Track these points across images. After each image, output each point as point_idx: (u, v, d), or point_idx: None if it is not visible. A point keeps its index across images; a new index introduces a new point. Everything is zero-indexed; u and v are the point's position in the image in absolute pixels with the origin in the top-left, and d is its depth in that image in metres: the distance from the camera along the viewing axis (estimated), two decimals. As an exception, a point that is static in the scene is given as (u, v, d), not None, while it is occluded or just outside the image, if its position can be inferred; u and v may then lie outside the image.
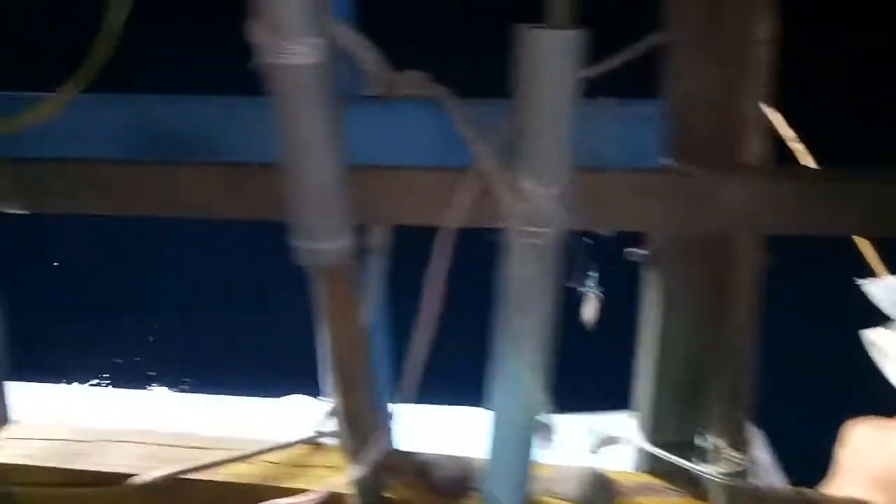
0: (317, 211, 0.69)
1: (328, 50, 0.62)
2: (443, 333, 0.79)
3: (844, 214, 0.76)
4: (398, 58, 0.75)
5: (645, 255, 0.86)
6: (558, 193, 0.67)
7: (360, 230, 0.78)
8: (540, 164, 0.67)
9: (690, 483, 0.94)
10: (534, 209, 0.67)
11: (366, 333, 0.83)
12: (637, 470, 0.99)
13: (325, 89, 0.64)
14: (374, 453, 0.86)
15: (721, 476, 0.86)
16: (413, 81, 0.76)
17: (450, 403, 1.83)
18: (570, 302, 0.86)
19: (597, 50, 0.66)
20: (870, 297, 1.25)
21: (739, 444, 0.86)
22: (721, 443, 0.86)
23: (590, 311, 0.86)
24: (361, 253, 0.79)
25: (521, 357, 0.74)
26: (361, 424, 0.86)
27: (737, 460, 0.84)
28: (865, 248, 1.71)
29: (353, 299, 0.79)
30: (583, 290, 0.85)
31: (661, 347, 0.89)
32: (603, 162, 0.74)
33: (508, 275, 0.72)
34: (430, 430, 1.32)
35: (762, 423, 1.92)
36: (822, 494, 0.98)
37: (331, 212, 0.70)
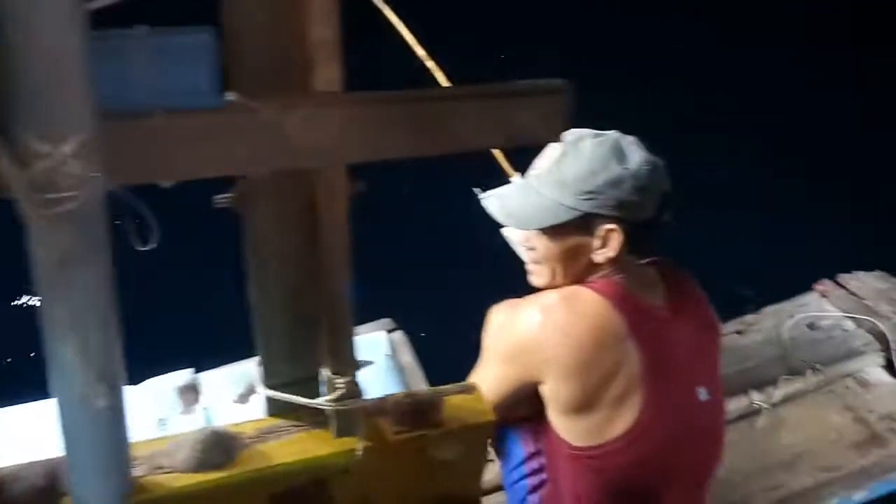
0: None
1: None
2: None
3: (425, 136, 0.76)
4: None
5: (231, 200, 0.79)
6: (76, 151, 0.54)
7: None
8: (41, 116, 0.53)
9: (316, 415, 0.94)
10: (43, 173, 0.53)
11: None
12: (267, 415, 0.97)
13: None
14: None
15: (330, 402, 0.87)
16: None
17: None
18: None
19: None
20: (487, 209, 1.31)
21: (346, 369, 0.87)
22: (328, 372, 0.87)
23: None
24: None
25: (70, 342, 0.62)
26: None
27: (342, 385, 0.86)
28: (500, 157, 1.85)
29: None
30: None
31: (263, 290, 0.84)
32: (143, 105, 0.62)
33: (34, 253, 0.58)
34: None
35: (408, 328, 2.12)
36: (433, 390, 1.06)
37: None
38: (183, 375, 1.68)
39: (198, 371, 1.71)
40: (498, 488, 1.85)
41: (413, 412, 0.96)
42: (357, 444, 0.91)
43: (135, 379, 1.64)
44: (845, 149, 4.60)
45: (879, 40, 5.75)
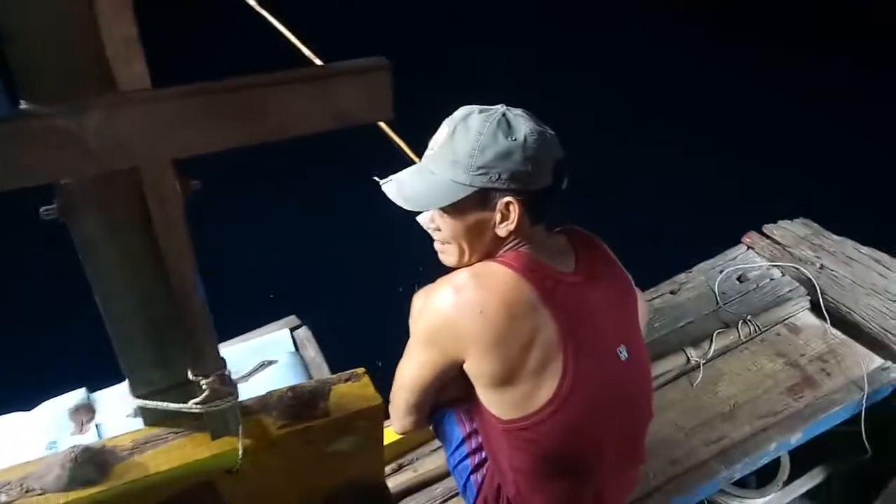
0: None
1: None
2: None
3: (245, 124, 0.75)
4: None
5: (57, 211, 0.77)
6: None
7: None
8: None
9: (195, 420, 0.93)
10: None
11: None
12: (145, 425, 0.95)
13: None
14: None
15: (198, 405, 0.86)
16: None
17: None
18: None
19: None
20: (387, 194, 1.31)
21: (210, 370, 0.86)
22: (192, 374, 0.86)
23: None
24: None
25: None
26: None
27: (207, 386, 0.85)
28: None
29: None
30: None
31: (112, 298, 0.83)
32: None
33: None
34: None
35: (311, 322, 2.13)
36: (317, 380, 1.05)
37: None
38: (76, 396, 1.65)
39: (92, 390, 1.68)
40: (447, 473, 1.87)
41: (297, 405, 0.96)
42: (236, 444, 0.90)
43: (28, 404, 1.61)
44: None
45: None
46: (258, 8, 1.80)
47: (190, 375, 0.87)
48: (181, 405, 0.87)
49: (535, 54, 5.43)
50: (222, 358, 0.87)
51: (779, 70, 5.09)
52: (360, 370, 1.03)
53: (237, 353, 1.73)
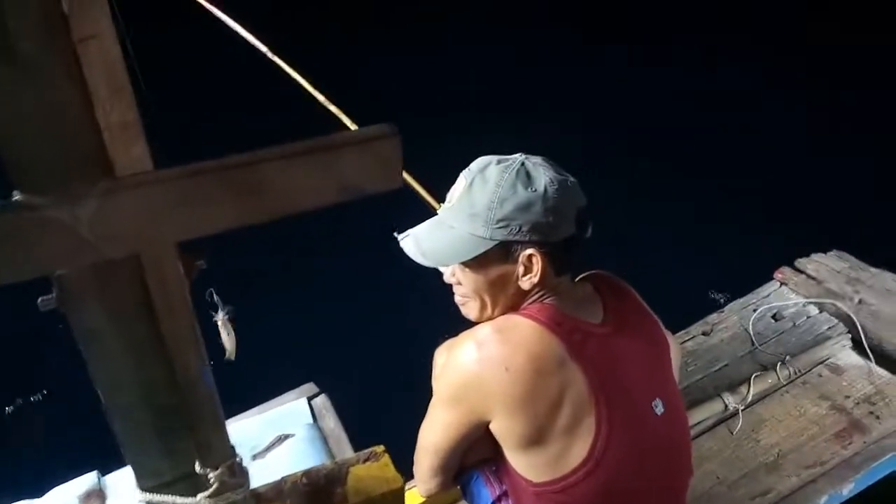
0: None
1: None
2: None
3: (248, 203, 0.71)
4: None
5: (55, 301, 0.73)
6: None
7: None
8: None
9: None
10: None
11: None
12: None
13: None
14: None
15: (206, 499, 0.80)
16: None
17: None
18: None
19: None
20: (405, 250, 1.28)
21: (218, 460, 0.81)
22: (206, 465, 0.80)
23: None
24: None
25: None
26: None
27: (215, 478, 0.79)
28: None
29: None
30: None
31: (115, 391, 0.78)
32: None
33: None
34: None
35: (333, 393, 2.07)
36: (335, 463, 1.00)
37: None
38: (87, 480, 1.59)
39: (104, 472, 1.63)
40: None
41: (312, 492, 0.90)
42: (249, 537, 0.84)
43: (39, 490, 1.56)
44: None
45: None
46: (271, 55, 1.79)
47: (198, 468, 0.82)
48: (189, 499, 0.81)
49: (547, 79, 5.44)
50: (231, 446, 0.81)
51: (798, 95, 5.02)
52: (380, 448, 0.97)
53: (253, 427, 1.67)
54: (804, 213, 3.80)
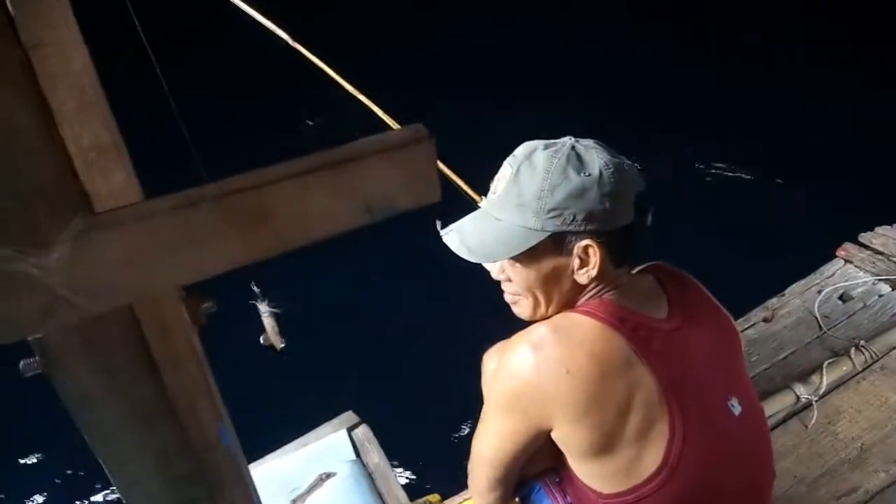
0: None
1: None
2: None
3: (257, 235, 0.59)
4: None
5: (39, 365, 0.62)
6: None
7: None
8: None
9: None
10: None
11: None
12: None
13: None
14: None
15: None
16: None
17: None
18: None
19: None
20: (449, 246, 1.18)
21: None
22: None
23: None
24: None
25: None
26: None
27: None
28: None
29: None
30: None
31: (119, 464, 0.67)
32: None
33: None
34: None
35: (370, 417, 1.95)
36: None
37: None
38: None
39: None
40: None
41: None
42: None
43: None
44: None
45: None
46: (292, 42, 1.65)
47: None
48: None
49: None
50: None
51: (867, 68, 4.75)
52: (435, 498, 0.84)
53: (291, 466, 1.55)
54: (860, 186, 3.56)
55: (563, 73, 5.10)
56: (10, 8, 0.48)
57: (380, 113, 1.63)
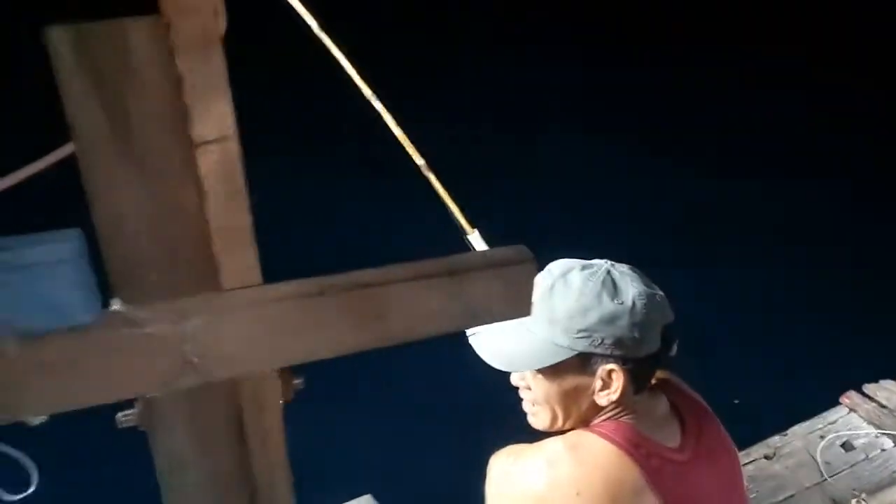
0: None
1: None
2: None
3: (366, 328, 0.63)
4: None
5: (135, 417, 0.65)
6: None
7: None
8: None
9: None
10: None
11: None
12: None
13: None
14: None
15: None
16: None
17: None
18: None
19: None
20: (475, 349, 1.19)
21: None
22: None
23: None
24: None
25: None
26: None
27: None
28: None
29: None
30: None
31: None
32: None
33: None
34: None
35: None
36: None
37: None
38: None
39: None
40: None
41: None
42: None
43: None
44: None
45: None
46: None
47: None
48: None
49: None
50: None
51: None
52: None
53: None
54: (863, 334, 3.62)
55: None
56: (186, 99, 0.53)
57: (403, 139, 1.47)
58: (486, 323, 0.67)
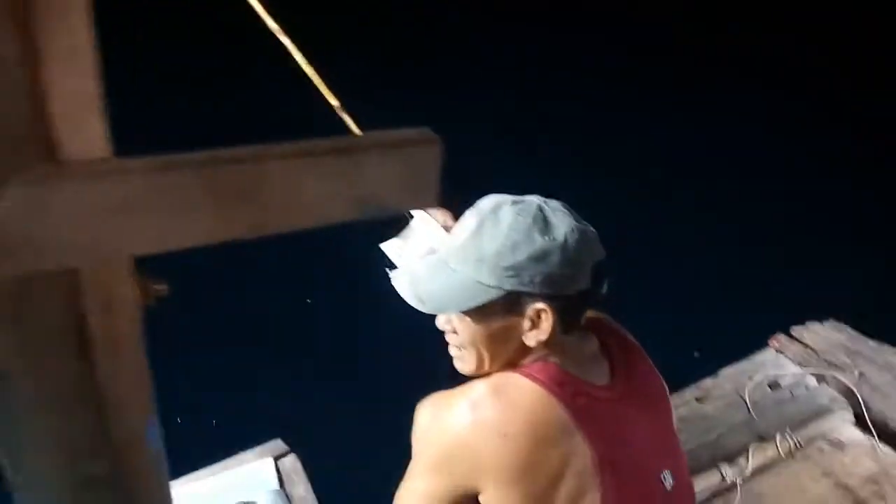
0: None
1: None
2: None
3: (235, 213, 0.53)
4: None
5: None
6: None
7: None
8: None
9: None
10: None
11: None
12: None
13: None
14: None
15: None
16: None
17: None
18: None
19: None
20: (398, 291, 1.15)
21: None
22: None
23: None
24: None
25: None
26: None
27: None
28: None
29: None
30: None
31: (22, 456, 0.58)
32: None
33: None
34: None
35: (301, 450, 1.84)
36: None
37: None
38: None
39: None
40: None
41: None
42: None
43: None
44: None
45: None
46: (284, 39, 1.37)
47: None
48: None
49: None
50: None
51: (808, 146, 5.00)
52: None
53: (206, 491, 1.41)
54: (793, 277, 3.72)
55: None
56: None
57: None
58: (380, 213, 0.58)
